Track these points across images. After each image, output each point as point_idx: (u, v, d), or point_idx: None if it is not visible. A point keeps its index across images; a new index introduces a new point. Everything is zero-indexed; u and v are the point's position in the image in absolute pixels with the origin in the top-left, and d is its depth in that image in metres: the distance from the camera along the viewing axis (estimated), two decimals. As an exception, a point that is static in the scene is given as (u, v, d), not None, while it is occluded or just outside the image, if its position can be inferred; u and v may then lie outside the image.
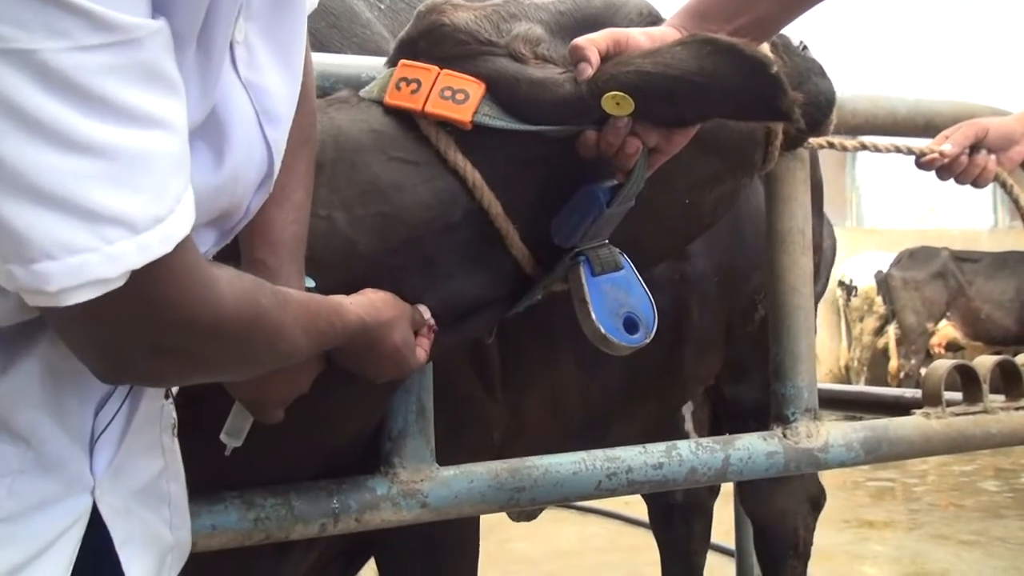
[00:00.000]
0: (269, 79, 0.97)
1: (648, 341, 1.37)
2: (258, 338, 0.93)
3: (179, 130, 0.79)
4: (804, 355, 1.83)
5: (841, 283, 9.54)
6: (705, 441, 1.76)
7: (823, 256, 2.36)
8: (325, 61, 1.56)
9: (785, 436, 1.82)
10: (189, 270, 0.83)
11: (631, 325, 1.37)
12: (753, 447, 1.79)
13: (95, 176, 0.73)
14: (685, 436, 2.37)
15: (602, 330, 1.34)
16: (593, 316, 1.35)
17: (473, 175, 1.35)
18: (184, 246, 0.81)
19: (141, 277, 0.78)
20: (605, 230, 1.38)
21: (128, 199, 0.75)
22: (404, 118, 1.36)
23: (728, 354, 2.23)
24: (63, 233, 0.74)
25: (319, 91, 1.49)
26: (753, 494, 2.39)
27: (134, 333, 0.83)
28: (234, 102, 0.93)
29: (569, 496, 1.65)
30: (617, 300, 1.37)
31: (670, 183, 1.47)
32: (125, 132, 0.74)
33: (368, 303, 1.22)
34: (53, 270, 0.75)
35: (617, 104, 1.27)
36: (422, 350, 1.30)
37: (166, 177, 0.77)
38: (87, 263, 0.75)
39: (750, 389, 2.26)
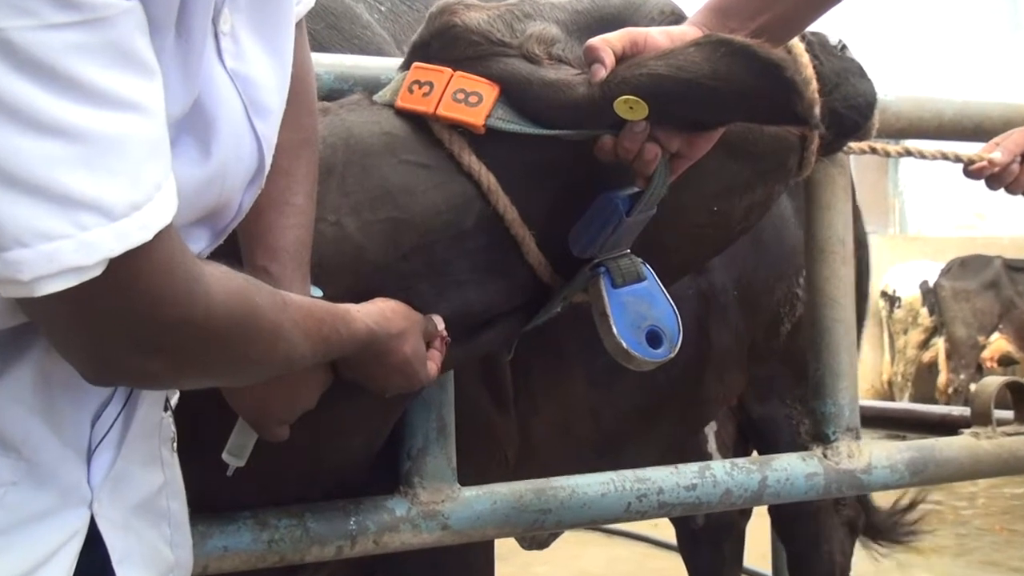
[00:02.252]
0: (257, 70, 0.96)
1: (673, 355, 1.36)
2: (252, 338, 0.92)
3: (155, 114, 0.78)
4: (845, 371, 1.81)
5: (884, 294, 9.24)
6: (741, 461, 1.74)
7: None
8: (344, 63, 1.57)
9: (825, 456, 1.80)
10: (172, 262, 0.82)
11: (654, 339, 1.36)
12: (792, 468, 1.76)
13: (67, 159, 0.73)
14: (708, 458, 2.33)
15: (624, 345, 1.33)
16: (614, 330, 1.34)
17: (488, 179, 1.35)
18: (165, 236, 0.79)
19: (120, 267, 0.77)
20: (626, 239, 1.38)
21: (103, 184, 0.74)
22: (416, 121, 1.37)
23: (753, 372, 2.21)
24: (35, 219, 0.73)
25: (337, 93, 1.52)
26: (786, 516, 2.35)
27: (116, 328, 0.82)
28: (220, 94, 0.92)
29: (597, 519, 1.65)
30: (639, 313, 1.36)
31: (696, 189, 1.47)
32: (96, 114, 0.74)
33: (378, 312, 1.21)
34: (26, 258, 0.74)
35: (631, 108, 1.27)
36: (433, 363, 1.28)
37: (142, 162, 0.77)
38: (60, 250, 0.74)
39: (778, 408, 2.25)
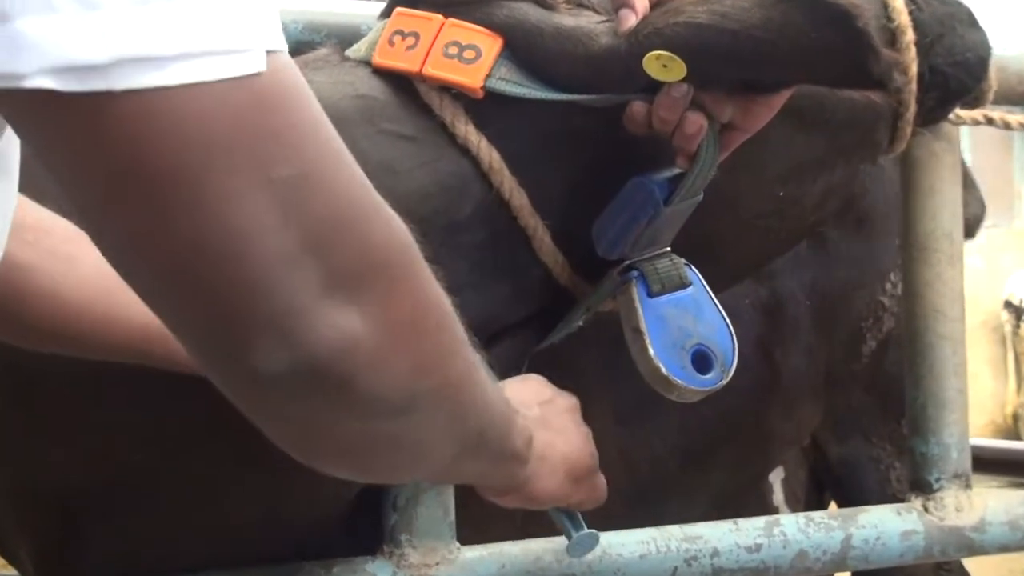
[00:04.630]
0: None
1: (725, 382, 1.31)
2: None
3: None
4: (952, 401, 1.72)
5: (1008, 304, 8.63)
6: (819, 515, 1.66)
7: None
8: (314, 9, 1.54)
9: (926, 510, 1.70)
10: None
11: (702, 361, 1.31)
12: (883, 524, 1.67)
13: None
14: (773, 512, 2.23)
15: (663, 369, 1.28)
16: (651, 351, 1.29)
17: (489, 155, 1.31)
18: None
19: None
20: (665, 234, 1.33)
21: None
22: (400, 82, 1.33)
23: (830, 402, 2.11)
24: None
25: (306, 47, 1.48)
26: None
27: None
28: None
29: None
30: (683, 328, 1.31)
31: (757, 170, 1.42)
32: None
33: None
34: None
35: (664, 67, 1.22)
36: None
37: None
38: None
39: (862, 448, 2.14)
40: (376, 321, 0.76)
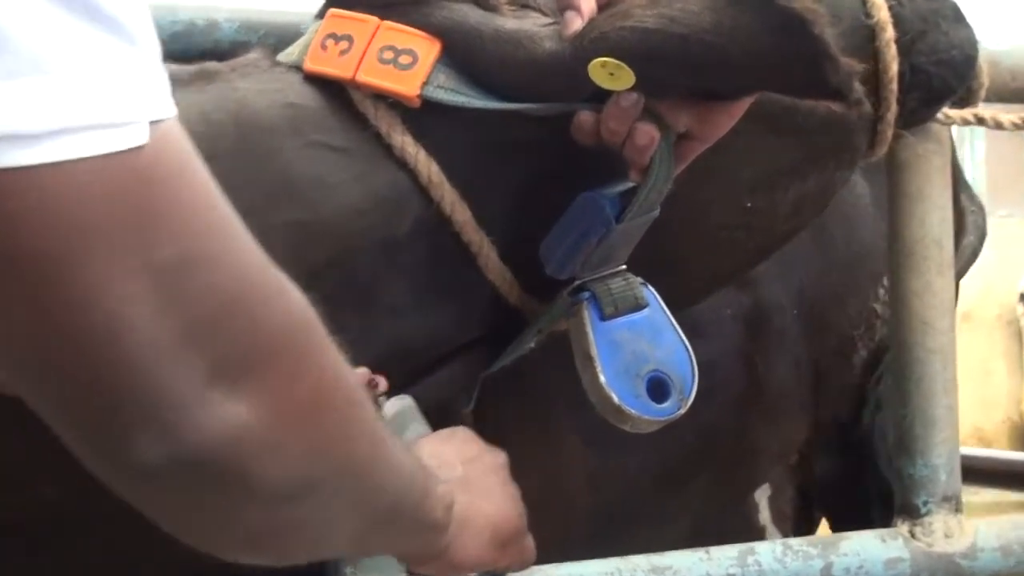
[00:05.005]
0: None
1: (683, 411, 1.26)
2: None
3: None
4: (942, 419, 1.66)
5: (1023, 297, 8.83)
6: (796, 543, 1.61)
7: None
8: (250, 7, 1.51)
9: (913, 535, 1.65)
10: None
11: (658, 389, 1.26)
12: (867, 551, 1.62)
13: None
14: (760, 532, 2.16)
15: (615, 399, 1.23)
16: (602, 379, 1.24)
17: (428, 168, 1.25)
18: None
19: None
20: (619, 252, 1.28)
21: None
22: (332, 89, 1.28)
23: (819, 415, 2.04)
24: None
25: (243, 48, 1.42)
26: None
27: None
28: None
29: None
30: (637, 354, 1.26)
31: (721, 180, 1.37)
32: None
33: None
34: None
35: (612, 75, 1.16)
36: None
37: None
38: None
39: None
40: (268, 409, 0.74)
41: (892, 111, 1.43)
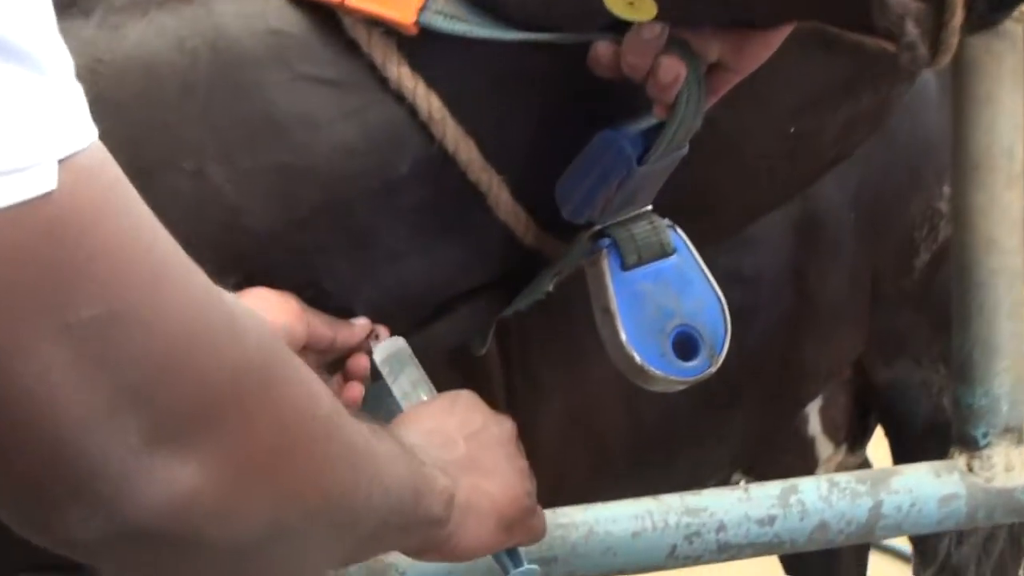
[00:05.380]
0: None
1: (713, 369, 1.19)
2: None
3: None
4: (1005, 346, 1.57)
5: None
6: (843, 479, 1.52)
7: None
8: None
9: (970, 469, 1.57)
10: None
11: (686, 345, 1.18)
12: (919, 488, 1.54)
13: None
14: (809, 444, 2.11)
15: (637, 359, 1.16)
16: (622, 336, 1.16)
17: (428, 102, 1.15)
18: None
19: None
20: (643, 195, 1.18)
21: None
22: (320, 14, 1.16)
23: (877, 322, 1.98)
24: None
25: None
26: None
27: None
28: None
29: (627, 569, 1.44)
30: (663, 308, 1.18)
31: (763, 104, 1.27)
32: None
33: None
34: None
35: (630, 3, 1.05)
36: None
37: None
38: None
39: (912, 371, 2.02)
40: (221, 466, 0.69)
41: (958, 17, 1.28)
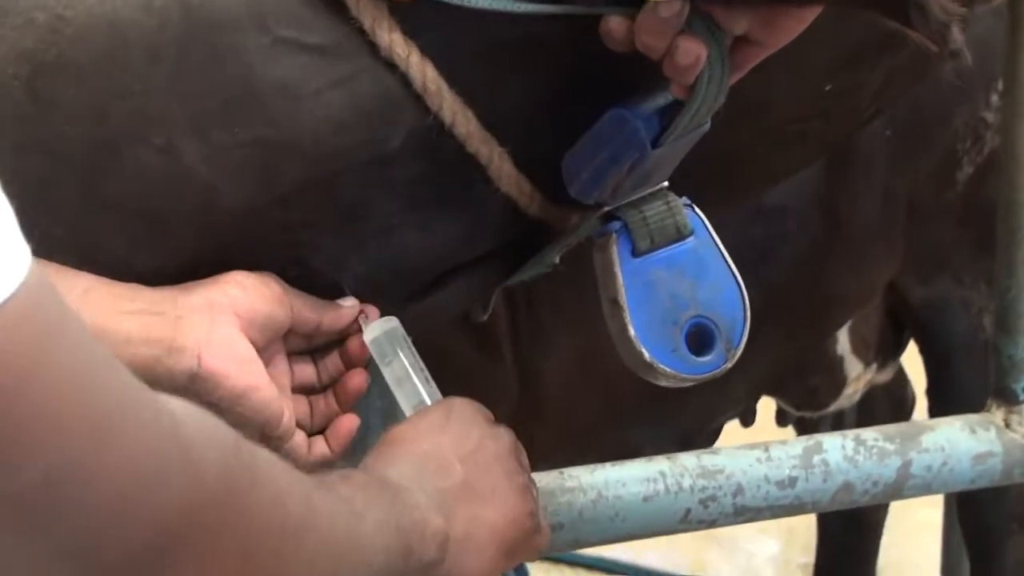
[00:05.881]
0: None
1: (730, 364, 1.11)
2: None
3: None
4: None
5: None
6: (870, 436, 1.46)
7: None
8: None
9: (1007, 425, 1.51)
10: None
11: (701, 338, 1.10)
12: (952, 445, 1.48)
13: None
14: (838, 363, 2.05)
15: (646, 355, 1.08)
16: (631, 332, 1.08)
17: (423, 71, 1.06)
18: None
19: None
20: (657, 175, 1.10)
21: None
22: None
23: (914, 240, 1.91)
24: None
25: None
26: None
27: None
28: None
29: (636, 534, 1.40)
30: (677, 297, 1.10)
31: (796, 64, 1.16)
32: None
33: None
34: None
35: None
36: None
37: None
38: None
39: (951, 289, 1.95)
40: None
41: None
